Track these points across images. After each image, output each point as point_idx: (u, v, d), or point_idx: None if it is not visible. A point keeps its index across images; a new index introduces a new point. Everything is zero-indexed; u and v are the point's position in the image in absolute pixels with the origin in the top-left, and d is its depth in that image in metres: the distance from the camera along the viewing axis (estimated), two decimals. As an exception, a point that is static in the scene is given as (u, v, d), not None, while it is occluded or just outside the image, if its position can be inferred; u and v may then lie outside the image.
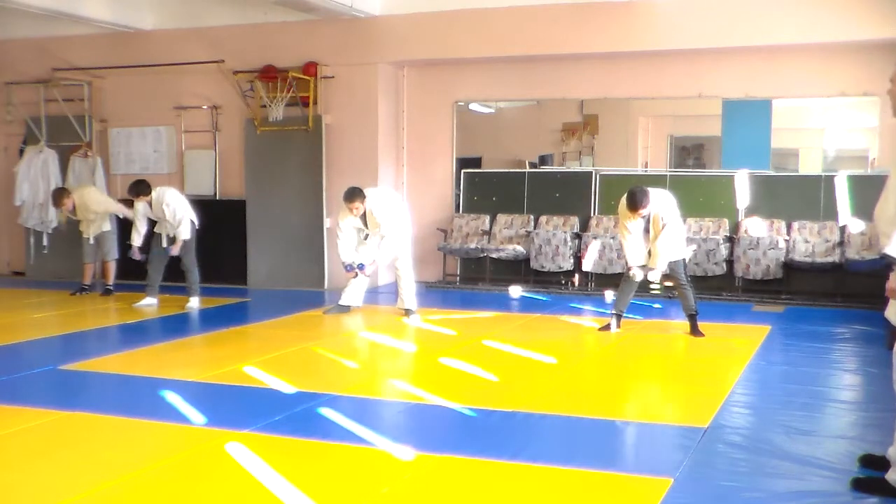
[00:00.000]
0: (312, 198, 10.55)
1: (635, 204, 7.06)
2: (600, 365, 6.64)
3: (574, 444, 4.51)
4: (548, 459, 4.17)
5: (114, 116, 11.69)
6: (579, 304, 9.25)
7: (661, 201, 7.22)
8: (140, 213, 9.03)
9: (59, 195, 10.00)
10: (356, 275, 8.36)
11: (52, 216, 11.32)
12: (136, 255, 9.12)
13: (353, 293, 8.61)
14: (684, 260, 7.55)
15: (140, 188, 8.87)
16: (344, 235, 8.28)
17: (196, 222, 9.04)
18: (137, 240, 9.09)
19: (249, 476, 3.96)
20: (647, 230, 7.26)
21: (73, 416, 4.97)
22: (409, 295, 8.43)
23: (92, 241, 10.02)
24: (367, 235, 8.39)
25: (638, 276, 7.34)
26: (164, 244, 8.98)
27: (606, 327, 7.58)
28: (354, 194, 8.14)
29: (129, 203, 9.39)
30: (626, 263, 7.50)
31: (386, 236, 8.20)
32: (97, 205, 9.93)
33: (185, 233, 8.84)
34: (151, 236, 9.11)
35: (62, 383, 5.96)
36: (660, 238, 7.15)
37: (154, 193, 8.88)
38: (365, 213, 8.19)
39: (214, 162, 11.25)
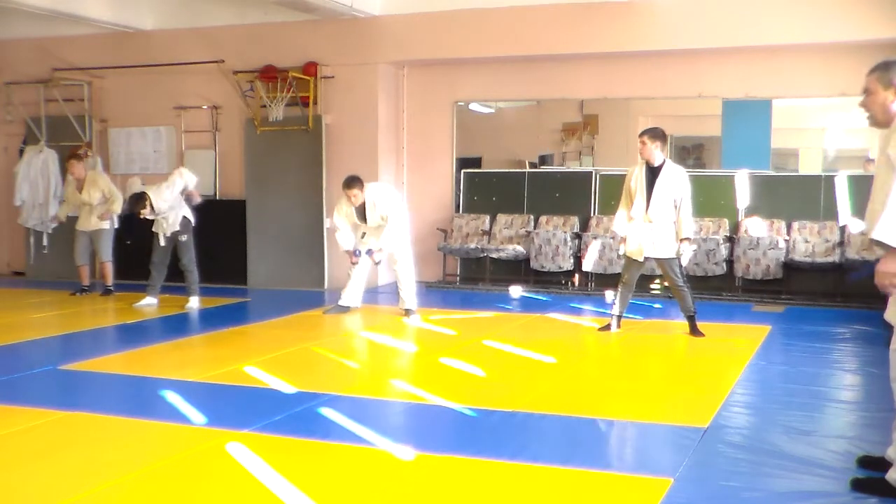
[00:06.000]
0: (312, 198, 10.55)
1: None
2: (600, 365, 6.65)
3: (574, 444, 4.51)
4: (548, 459, 4.17)
5: (114, 116, 11.69)
6: (579, 304, 9.25)
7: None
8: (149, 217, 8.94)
9: (74, 155, 9.97)
10: (357, 262, 8.38)
11: (53, 215, 11.32)
12: (163, 241, 8.97)
13: (352, 293, 8.61)
14: (680, 260, 7.55)
15: (137, 204, 8.66)
16: (342, 226, 8.34)
17: (193, 220, 9.04)
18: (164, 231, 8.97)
19: (250, 476, 3.96)
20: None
21: (73, 416, 4.97)
22: (409, 295, 8.43)
23: (85, 237, 9.96)
24: (363, 234, 8.41)
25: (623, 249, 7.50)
26: (163, 242, 8.97)
27: (606, 327, 7.58)
28: (353, 181, 8.20)
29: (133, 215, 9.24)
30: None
31: (391, 221, 8.20)
32: (105, 183, 9.94)
33: (173, 226, 8.81)
34: (151, 237, 9.08)
35: (62, 383, 5.96)
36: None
37: (151, 192, 8.85)
38: (364, 205, 8.21)
39: (214, 162, 11.25)
